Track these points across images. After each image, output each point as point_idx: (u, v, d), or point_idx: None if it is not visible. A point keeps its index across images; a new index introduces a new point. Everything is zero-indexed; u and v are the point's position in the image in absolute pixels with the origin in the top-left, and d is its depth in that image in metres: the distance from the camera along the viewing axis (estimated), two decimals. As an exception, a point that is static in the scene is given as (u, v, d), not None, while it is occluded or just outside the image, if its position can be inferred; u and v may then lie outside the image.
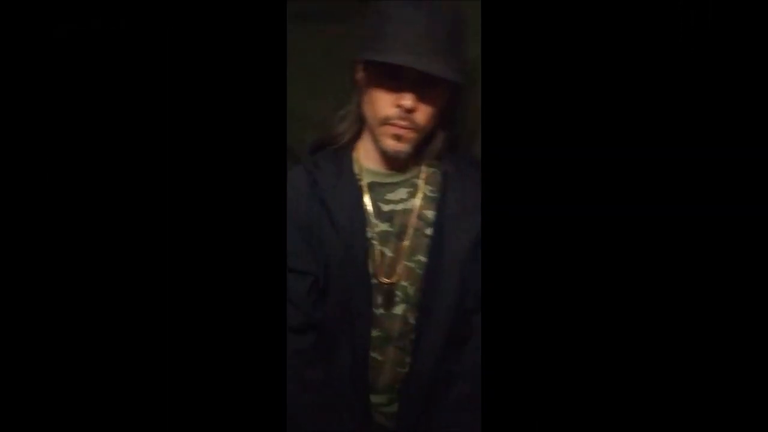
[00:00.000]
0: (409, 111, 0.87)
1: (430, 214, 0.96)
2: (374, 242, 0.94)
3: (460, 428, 0.95)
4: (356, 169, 0.97)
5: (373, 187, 0.97)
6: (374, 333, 0.95)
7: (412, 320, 0.95)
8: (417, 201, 0.96)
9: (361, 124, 0.96)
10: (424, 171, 0.98)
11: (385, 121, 0.90)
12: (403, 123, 0.89)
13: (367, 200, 0.95)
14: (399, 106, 0.87)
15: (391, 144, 0.91)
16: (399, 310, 0.95)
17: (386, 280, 0.94)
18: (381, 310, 0.94)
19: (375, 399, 0.97)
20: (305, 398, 0.92)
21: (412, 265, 0.95)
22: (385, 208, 0.96)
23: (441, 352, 0.94)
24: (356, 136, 0.98)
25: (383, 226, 0.96)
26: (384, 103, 0.89)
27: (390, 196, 0.97)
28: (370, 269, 0.94)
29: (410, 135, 0.90)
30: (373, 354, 0.95)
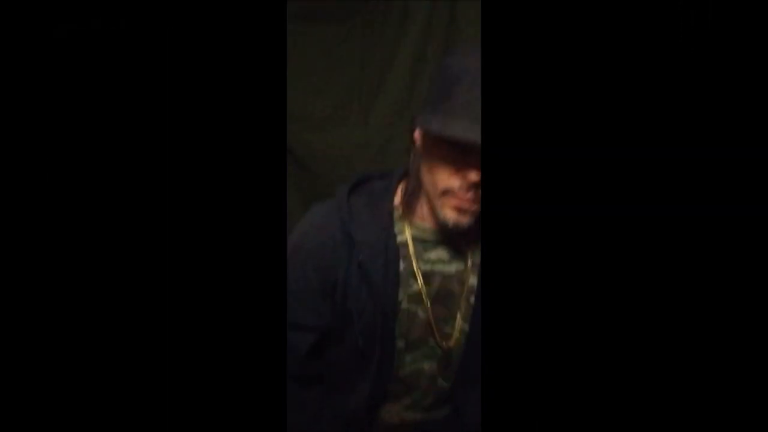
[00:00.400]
0: (476, 185, 0.81)
1: (474, 280, 0.91)
2: (409, 305, 0.90)
3: None
4: (398, 225, 0.90)
5: (415, 244, 0.91)
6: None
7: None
8: (460, 264, 0.91)
9: (417, 188, 0.88)
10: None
11: (446, 193, 0.83)
12: (467, 196, 0.82)
13: (408, 255, 0.90)
14: (464, 179, 0.81)
15: (451, 216, 0.84)
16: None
17: (446, 345, 0.91)
18: (433, 370, 0.92)
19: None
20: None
21: (461, 336, 0.91)
22: (422, 268, 0.90)
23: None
24: (409, 197, 0.89)
25: (415, 287, 0.90)
26: (446, 175, 0.82)
27: (428, 255, 0.91)
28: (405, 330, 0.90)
29: (473, 207, 0.84)
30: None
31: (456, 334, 0.90)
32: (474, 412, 0.91)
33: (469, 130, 0.74)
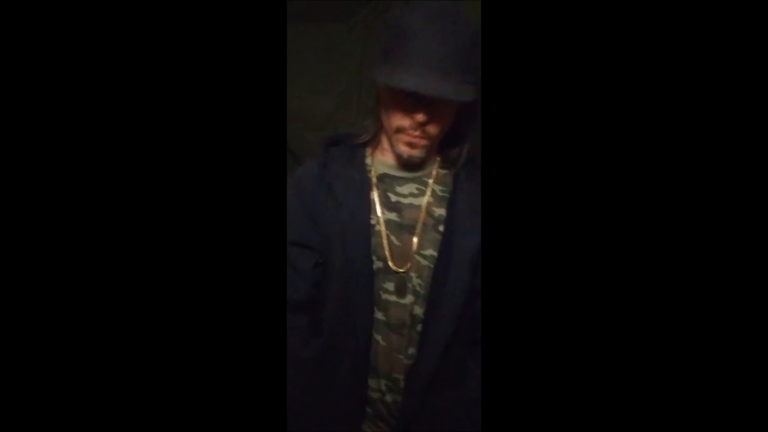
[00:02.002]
0: (422, 124, 0.96)
1: (439, 211, 1.02)
2: (379, 228, 0.99)
3: (462, 428, 0.96)
4: (368, 162, 1.05)
5: (382, 179, 1.03)
6: (378, 316, 0.98)
7: (419, 312, 0.98)
8: (426, 198, 1.02)
9: (379, 129, 1.04)
10: (435, 171, 1.05)
11: (399, 130, 0.98)
12: (415, 133, 0.97)
13: (375, 189, 1.02)
14: (413, 119, 0.95)
15: (404, 149, 0.99)
16: (408, 300, 0.98)
17: (399, 269, 0.98)
18: (393, 297, 0.98)
19: (372, 383, 0.99)
20: (299, 378, 0.96)
21: (421, 259, 0.99)
22: (393, 198, 1.02)
23: (447, 348, 0.97)
24: (374, 138, 1.05)
25: (390, 216, 1.01)
26: (399, 116, 0.97)
27: (399, 189, 1.03)
28: (376, 255, 0.99)
29: (422, 142, 0.99)
30: (376, 336, 0.98)
31: (424, 261, 0.99)
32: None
33: (414, 78, 0.89)
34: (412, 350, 0.98)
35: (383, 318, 0.98)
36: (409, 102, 0.93)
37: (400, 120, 0.96)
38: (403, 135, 0.97)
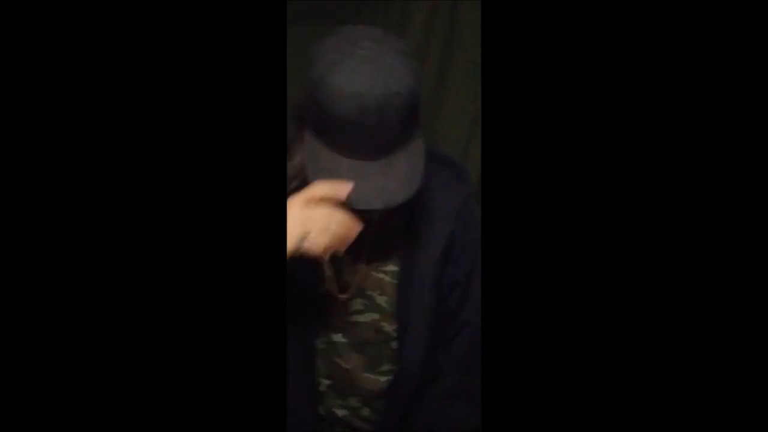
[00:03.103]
0: None
1: (392, 224, 0.93)
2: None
3: (454, 417, 0.95)
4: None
5: None
6: (336, 339, 0.94)
7: (387, 329, 0.94)
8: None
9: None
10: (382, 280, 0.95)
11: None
12: None
13: None
14: None
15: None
16: (366, 318, 0.94)
17: (342, 296, 0.92)
18: (349, 318, 0.94)
19: (351, 402, 0.97)
20: None
21: (381, 275, 0.94)
22: None
23: (424, 356, 0.94)
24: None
25: None
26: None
27: None
28: (322, 282, 0.92)
29: None
30: (338, 360, 0.95)
31: (389, 279, 0.92)
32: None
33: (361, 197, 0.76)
34: (385, 366, 0.95)
35: (342, 340, 0.94)
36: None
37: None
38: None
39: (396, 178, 0.78)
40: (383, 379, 0.95)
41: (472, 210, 0.97)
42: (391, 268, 0.93)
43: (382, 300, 0.94)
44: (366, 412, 0.97)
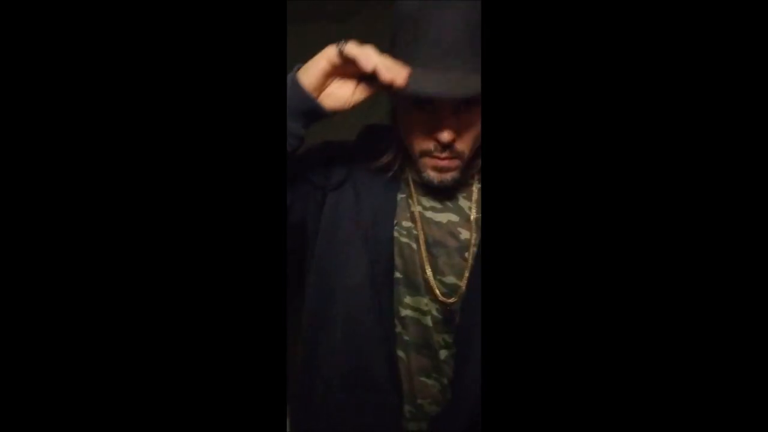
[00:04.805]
0: (450, 143, 0.79)
1: (465, 234, 0.89)
2: (431, 273, 0.87)
3: None
4: (406, 194, 0.90)
5: (422, 214, 0.89)
6: (406, 336, 0.90)
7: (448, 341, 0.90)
8: (467, 226, 0.88)
9: (398, 153, 0.89)
10: (475, 191, 0.89)
11: (424, 154, 0.82)
12: (443, 155, 0.81)
13: (418, 229, 0.88)
14: (437, 140, 0.79)
15: (434, 176, 0.83)
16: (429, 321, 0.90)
17: (448, 300, 0.88)
18: (429, 323, 0.89)
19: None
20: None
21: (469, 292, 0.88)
22: (437, 235, 0.89)
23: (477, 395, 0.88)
24: (393, 163, 0.89)
25: (436, 251, 0.88)
26: (420, 136, 0.81)
27: (439, 219, 0.89)
28: (430, 296, 0.88)
29: (454, 164, 0.83)
30: (399, 352, 0.89)
31: (443, 288, 0.88)
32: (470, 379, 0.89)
33: (430, 81, 0.72)
34: (443, 379, 0.89)
35: (409, 338, 0.89)
36: (429, 113, 0.78)
37: (422, 142, 0.81)
38: (429, 159, 0.82)
39: (455, 78, 0.74)
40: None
41: None
42: (455, 281, 0.88)
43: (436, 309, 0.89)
44: (413, 426, 0.91)
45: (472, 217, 0.88)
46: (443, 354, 0.89)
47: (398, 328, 0.89)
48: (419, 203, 0.89)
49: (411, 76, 0.73)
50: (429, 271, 0.87)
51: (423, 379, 0.90)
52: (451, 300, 0.88)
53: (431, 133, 0.79)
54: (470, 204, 0.89)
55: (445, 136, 0.78)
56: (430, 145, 0.80)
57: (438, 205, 0.89)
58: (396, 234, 0.89)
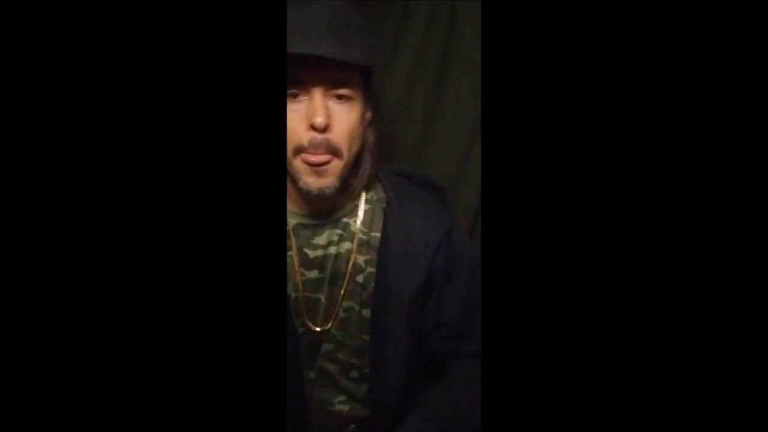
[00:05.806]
0: (324, 130, 0.76)
1: (361, 259, 0.87)
2: (301, 292, 0.86)
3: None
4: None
5: (297, 231, 0.85)
6: (311, 375, 0.93)
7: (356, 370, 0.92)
8: (348, 244, 0.87)
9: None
10: (360, 207, 0.87)
11: (298, 151, 0.77)
12: (319, 150, 0.76)
13: (291, 246, 0.84)
14: (311, 126, 0.75)
15: (312, 181, 0.78)
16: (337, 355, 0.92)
17: (316, 328, 0.88)
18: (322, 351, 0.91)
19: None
20: None
21: (345, 314, 0.89)
22: (312, 254, 0.86)
23: (401, 392, 0.91)
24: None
25: (311, 275, 0.87)
26: (293, 129, 0.76)
27: (317, 240, 0.86)
28: (299, 319, 0.88)
29: (333, 164, 0.78)
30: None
31: (341, 314, 0.87)
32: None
33: (304, 43, 0.72)
34: (356, 405, 0.93)
35: (313, 375, 0.92)
36: (300, 93, 0.75)
37: (296, 136, 0.76)
38: (303, 155, 0.77)
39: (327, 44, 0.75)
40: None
41: (455, 243, 0.91)
42: (354, 306, 0.88)
43: (347, 338, 0.89)
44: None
45: (354, 239, 0.85)
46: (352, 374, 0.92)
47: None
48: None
49: (289, 45, 0.72)
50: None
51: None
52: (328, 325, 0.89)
53: (304, 122, 0.76)
54: (363, 228, 0.86)
55: (318, 120, 0.74)
56: (303, 139, 0.76)
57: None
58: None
